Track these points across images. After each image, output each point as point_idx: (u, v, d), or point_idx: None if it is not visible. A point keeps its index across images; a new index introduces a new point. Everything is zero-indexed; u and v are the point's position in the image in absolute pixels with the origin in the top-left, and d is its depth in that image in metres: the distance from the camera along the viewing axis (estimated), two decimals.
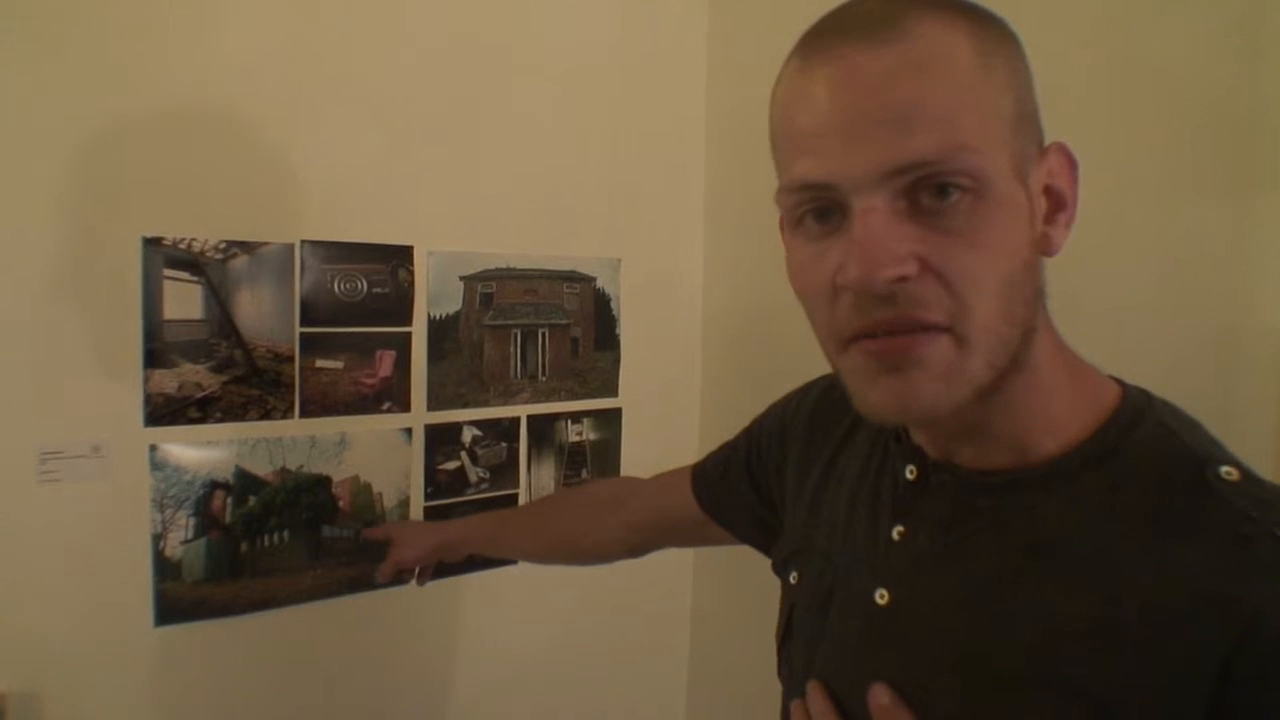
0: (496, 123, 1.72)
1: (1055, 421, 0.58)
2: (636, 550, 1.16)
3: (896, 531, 0.65)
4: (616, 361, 1.93)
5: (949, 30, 0.53)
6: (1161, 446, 0.57)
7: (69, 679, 1.37)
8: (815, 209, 0.56)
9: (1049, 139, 0.59)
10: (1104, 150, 1.25)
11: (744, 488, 0.92)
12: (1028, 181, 0.55)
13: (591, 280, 1.88)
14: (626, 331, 1.93)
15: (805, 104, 0.55)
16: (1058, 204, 0.56)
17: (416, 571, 1.43)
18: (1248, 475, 0.55)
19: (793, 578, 0.76)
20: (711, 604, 2.08)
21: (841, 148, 0.53)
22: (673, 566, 2.05)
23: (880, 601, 0.64)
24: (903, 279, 0.52)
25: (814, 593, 0.72)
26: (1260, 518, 0.52)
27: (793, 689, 0.74)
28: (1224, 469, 0.55)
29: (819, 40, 0.56)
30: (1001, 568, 0.58)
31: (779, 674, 0.79)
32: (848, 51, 0.53)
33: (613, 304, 1.91)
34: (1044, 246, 0.56)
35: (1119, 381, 0.62)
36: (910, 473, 0.65)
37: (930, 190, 0.52)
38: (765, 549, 0.88)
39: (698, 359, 2.06)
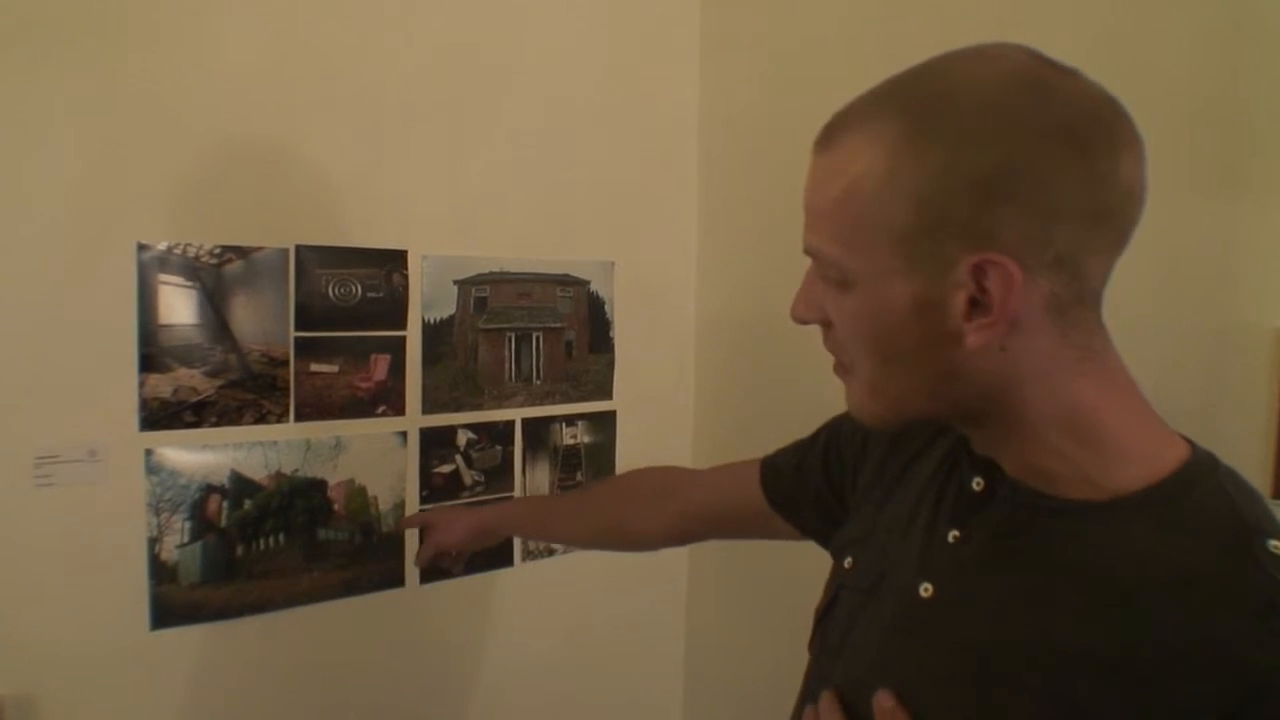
0: (490, 126, 1.73)
1: (1120, 465, 0.62)
2: (686, 539, 1.20)
3: (953, 535, 0.69)
4: (611, 364, 1.94)
5: (869, 144, 0.60)
6: (1216, 507, 0.60)
7: (65, 683, 1.38)
8: None
9: None
10: None
11: (817, 481, 0.96)
12: (936, 284, 0.59)
13: (585, 283, 1.89)
14: (620, 335, 1.94)
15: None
16: (979, 309, 0.59)
17: (453, 559, 1.43)
18: None
19: (847, 562, 0.81)
20: (707, 605, 2.08)
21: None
22: (668, 569, 2.06)
23: (924, 595, 0.68)
24: (805, 321, 0.69)
25: (864, 576, 0.77)
26: None
27: (821, 662, 0.79)
28: (1272, 542, 0.57)
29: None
30: (1039, 585, 0.62)
31: (809, 647, 0.83)
32: (813, 153, 0.66)
33: (607, 307, 1.92)
34: (959, 341, 0.60)
35: (1190, 442, 0.65)
36: (977, 484, 0.69)
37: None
38: (826, 541, 0.92)
39: (691, 362, 2.07)
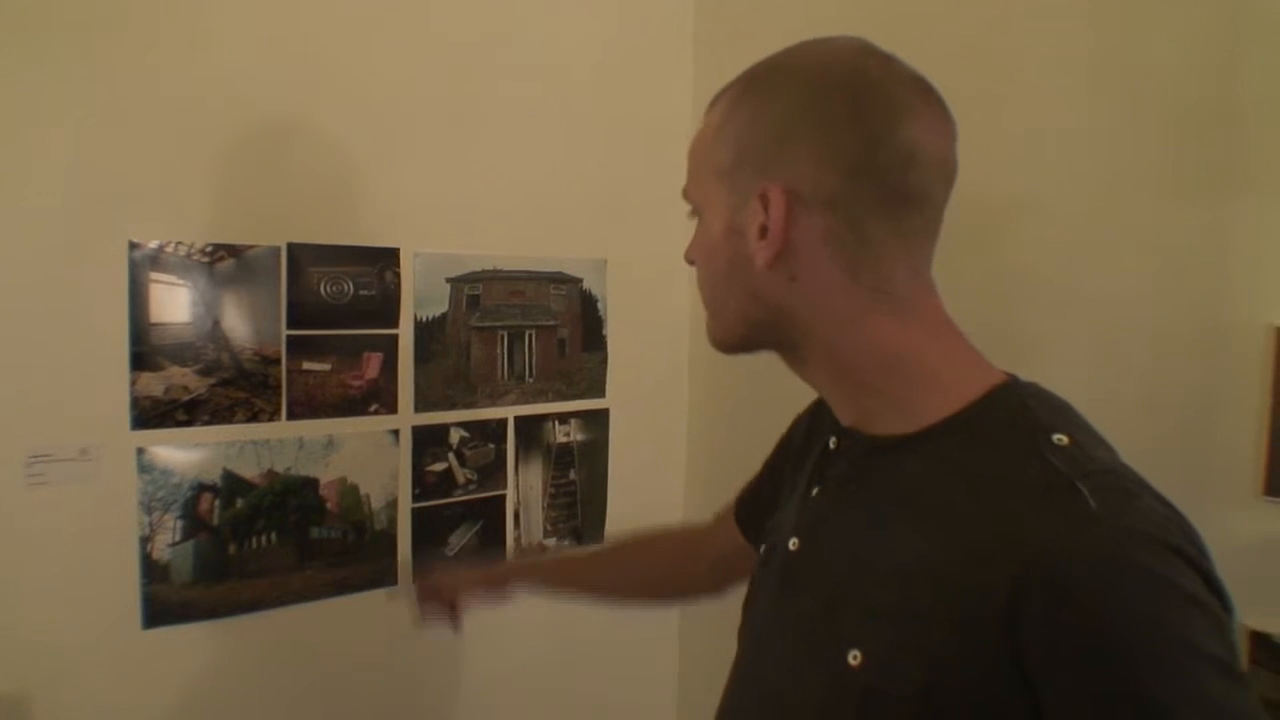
0: (483, 124, 1.73)
1: (930, 396, 0.68)
2: (721, 590, 1.19)
3: (815, 491, 0.77)
4: (604, 362, 1.94)
5: (724, 105, 0.73)
6: (1013, 418, 0.66)
7: (57, 681, 1.37)
8: None
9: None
10: (1094, 153, 1.27)
11: (769, 495, 0.98)
12: (740, 212, 0.70)
13: (578, 281, 1.89)
14: (613, 332, 1.94)
15: None
16: (762, 233, 0.68)
17: (457, 619, 1.36)
18: (1077, 442, 0.62)
19: (762, 549, 0.87)
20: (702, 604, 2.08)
21: None
22: None
23: (792, 549, 0.76)
24: (690, 262, 0.78)
25: (765, 554, 0.84)
26: (1066, 471, 0.59)
27: (740, 641, 0.86)
28: (1056, 436, 0.62)
29: None
30: (873, 515, 0.69)
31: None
32: None
33: (599, 305, 1.92)
34: (753, 262, 0.69)
35: (1011, 375, 0.70)
36: (832, 443, 0.77)
37: None
38: None
39: (685, 359, 2.07)
